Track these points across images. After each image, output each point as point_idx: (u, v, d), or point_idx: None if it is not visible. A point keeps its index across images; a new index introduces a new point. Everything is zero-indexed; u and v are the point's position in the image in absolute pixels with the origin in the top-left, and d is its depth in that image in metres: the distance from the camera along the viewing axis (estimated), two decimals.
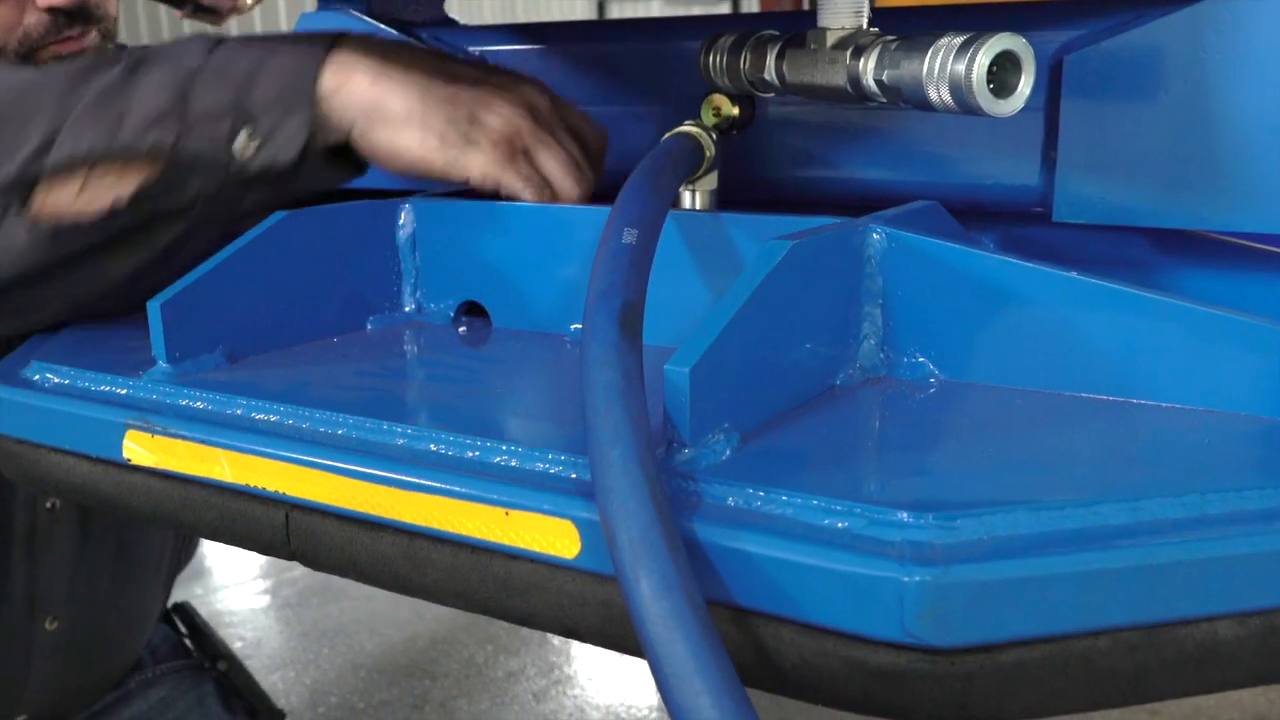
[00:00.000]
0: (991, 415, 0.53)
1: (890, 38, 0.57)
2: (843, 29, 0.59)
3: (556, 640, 2.39)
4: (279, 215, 0.68)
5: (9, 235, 0.69)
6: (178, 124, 0.67)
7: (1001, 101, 0.53)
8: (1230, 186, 0.60)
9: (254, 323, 0.67)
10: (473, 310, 0.75)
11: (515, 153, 0.71)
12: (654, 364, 0.47)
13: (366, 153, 0.71)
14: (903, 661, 0.39)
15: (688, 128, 0.67)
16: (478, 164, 0.70)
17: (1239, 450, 0.49)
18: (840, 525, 0.42)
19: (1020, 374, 0.56)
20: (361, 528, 0.52)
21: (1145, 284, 0.53)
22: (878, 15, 0.61)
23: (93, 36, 0.98)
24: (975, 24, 0.54)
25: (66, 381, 0.64)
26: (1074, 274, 0.53)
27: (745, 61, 0.66)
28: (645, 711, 2.17)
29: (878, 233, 0.57)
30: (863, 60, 0.57)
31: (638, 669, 2.22)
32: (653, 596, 0.38)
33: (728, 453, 0.47)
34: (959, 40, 0.52)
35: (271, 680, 2.29)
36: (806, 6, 0.64)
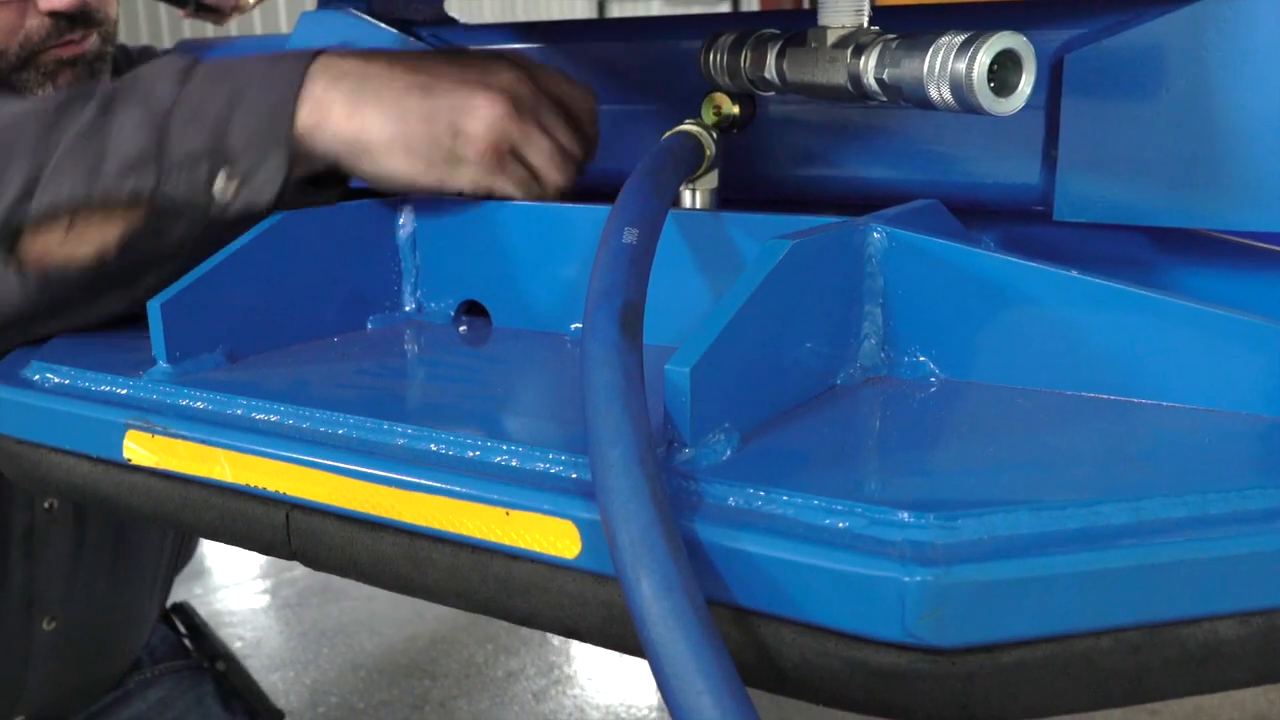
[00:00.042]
0: (992, 414, 0.53)
1: (891, 36, 0.57)
2: (843, 27, 0.59)
3: (556, 640, 2.39)
4: (279, 215, 0.68)
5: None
6: (156, 168, 0.67)
7: (1002, 100, 0.53)
8: (1231, 185, 0.60)
9: (254, 322, 0.67)
10: (473, 309, 0.75)
11: (502, 157, 0.70)
12: (654, 363, 0.47)
13: (353, 177, 0.72)
14: (904, 661, 0.39)
15: (688, 126, 0.67)
16: (467, 178, 0.71)
17: (1240, 449, 0.49)
18: (841, 525, 0.42)
19: (1021, 373, 0.56)
20: (362, 528, 0.52)
21: (1146, 283, 0.53)
22: (878, 14, 0.61)
23: (93, 40, 0.98)
24: (976, 23, 0.54)
25: (67, 381, 0.64)
26: (1075, 273, 0.53)
27: (746, 60, 0.66)
28: (645, 711, 2.17)
29: (878, 232, 0.57)
30: (863, 59, 0.57)
31: (638, 669, 2.22)
32: (653, 596, 0.38)
33: (728, 452, 0.47)
34: (960, 39, 0.52)
35: (271, 680, 2.29)
36: (807, 5, 0.64)
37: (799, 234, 0.53)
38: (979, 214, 0.70)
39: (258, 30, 4.94)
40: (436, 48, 0.74)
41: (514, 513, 0.47)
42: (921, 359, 0.58)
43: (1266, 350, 0.50)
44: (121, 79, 0.70)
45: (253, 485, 0.54)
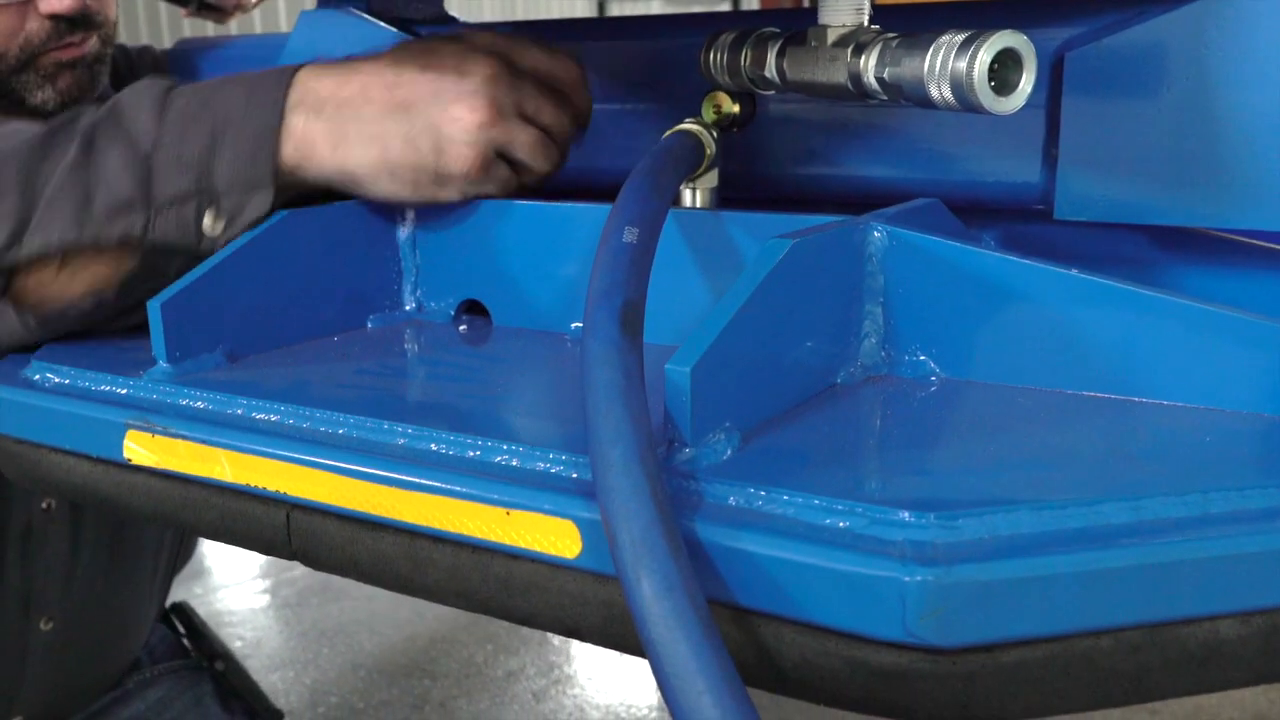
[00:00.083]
0: (993, 413, 0.53)
1: (891, 35, 0.57)
2: (843, 26, 0.59)
3: (556, 640, 2.39)
4: (279, 214, 0.68)
5: None
6: (144, 211, 0.67)
7: (1003, 99, 0.53)
8: (1232, 184, 0.60)
9: (254, 322, 0.67)
10: (473, 309, 0.75)
11: (488, 164, 0.70)
12: (655, 363, 0.47)
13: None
14: (904, 661, 0.39)
15: (688, 125, 0.67)
16: (455, 191, 0.71)
17: (1240, 448, 0.48)
18: (842, 525, 0.41)
19: (1021, 372, 0.55)
20: (362, 527, 0.52)
21: (1147, 282, 0.53)
22: (878, 12, 0.61)
23: (93, 42, 0.98)
24: (976, 21, 0.54)
25: (67, 381, 0.64)
26: (1075, 272, 0.53)
27: (746, 59, 0.66)
28: (645, 711, 2.17)
29: (879, 231, 0.57)
30: (864, 58, 0.57)
31: (637, 668, 2.22)
32: (654, 596, 0.38)
33: (729, 452, 0.47)
34: (960, 38, 0.52)
35: (271, 680, 2.29)
36: (807, 4, 0.64)
37: (799, 233, 0.53)
38: (979, 213, 0.70)
39: (258, 29, 4.94)
40: (409, 41, 0.73)
41: (514, 512, 0.46)
42: (922, 358, 0.58)
43: (1267, 349, 0.50)
44: (100, 111, 0.70)
45: (253, 485, 0.54)
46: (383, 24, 0.90)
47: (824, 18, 0.60)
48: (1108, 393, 0.54)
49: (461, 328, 0.74)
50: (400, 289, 0.75)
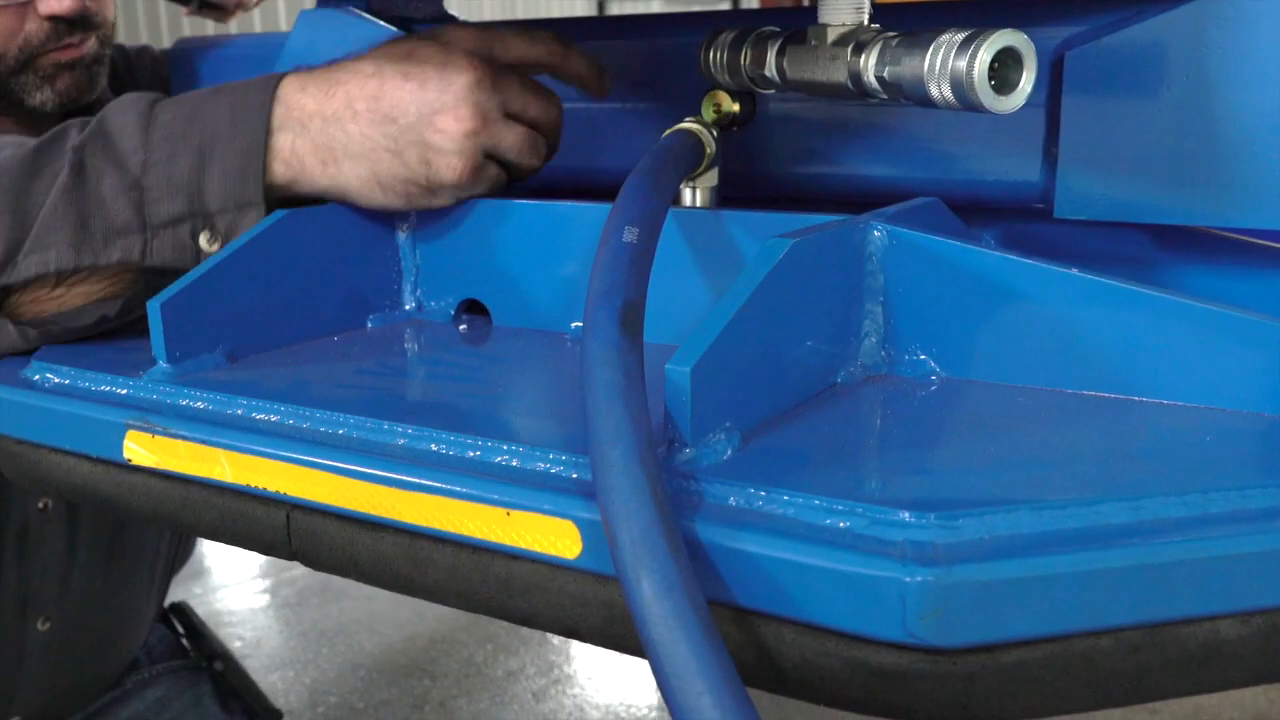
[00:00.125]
0: (993, 413, 0.53)
1: (891, 34, 0.57)
2: (843, 25, 0.59)
3: (556, 639, 2.39)
4: (279, 214, 0.68)
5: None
6: (140, 235, 0.68)
7: (1003, 98, 0.52)
8: (1232, 182, 0.60)
9: (254, 322, 0.67)
10: (473, 308, 0.75)
11: (478, 167, 0.70)
12: (655, 362, 0.47)
13: None
14: (905, 662, 0.39)
15: (688, 124, 0.67)
16: (448, 199, 0.71)
17: (1240, 448, 0.48)
18: (842, 525, 0.41)
19: (1022, 371, 0.55)
20: (363, 528, 0.52)
21: (1147, 281, 0.53)
22: (878, 11, 0.60)
23: (91, 43, 0.98)
24: (976, 20, 0.54)
25: (67, 381, 0.64)
26: (1075, 271, 0.53)
27: (746, 58, 0.66)
28: (645, 711, 2.17)
29: (879, 230, 0.57)
30: (864, 57, 0.57)
31: (637, 668, 2.22)
32: (654, 597, 0.38)
33: (729, 452, 0.47)
34: (960, 37, 0.52)
35: (271, 680, 2.29)
36: (807, 3, 0.64)
37: (799, 232, 0.53)
38: (979, 212, 0.70)
39: (257, 28, 4.94)
40: (391, 42, 0.73)
41: (515, 513, 0.46)
42: (922, 357, 0.58)
43: (1267, 348, 0.50)
44: (86, 129, 0.70)
45: (253, 485, 0.54)
46: (382, 23, 0.90)
47: (824, 16, 0.60)
48: (1108, 392, 0.54)
49: (461, 327, 0.74)
50: (400, 289, 0.75)
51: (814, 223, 0.57)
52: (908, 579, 0.38)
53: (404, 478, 0.49)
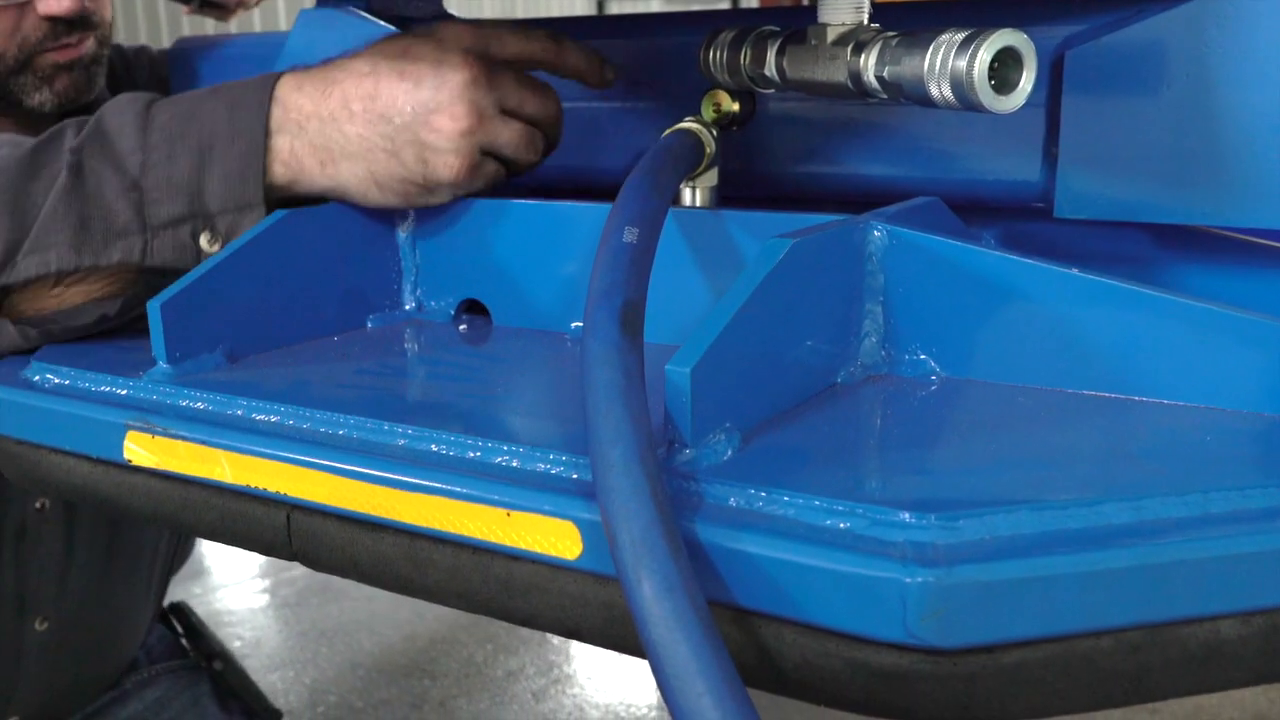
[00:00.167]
0: (993, 413, 0.53)
1: (891, 34, 0.57)
2: (843, 25, 0.59)
3: (555, 639, 2.39)
4: (279, 214, 0.68)
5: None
6: (140, 236, 0.68)
7: (1003, 98, 0.52)
8: (1232, 182, 0.60)
9: (254, 322, 0.67)
10: (473, 308, 0.75)
11: (474, 167, 0.70)
12: (655, 362, 0.47)
13: None
14: (905, 662, 0.39)
15: (688, 124, 0.67)
16: (446, 197, 0.71)
17: (1241, 448, 0.48)
18: (842, 526, 0.41)
19: (1022, 371, 0.55)
20: (363, 528, 0.52)
21: (1147, 280, 0.53)
22: (878, 11, 0.60)
23: (90, 44, 0.98)
24: (976, 20, 0.54)
25: (67, 382, 0.64)
26: (1075, 271, 0.53)
27: (746, 57, 0.65)
28: (644, 710, 2.17)
29: (879, 230, 0.57)
30: (863, 56, 0.57)
31: (637, 668, 2.22)
32: (654, 597, 0.38)
33: (729, 453, 0.47)
34: (960, 36, 0.52)
35: (270, 680, 2.29)
36: (806, 2, 0.64)
37: (799, 232, 0.53)
38: (979, 211, 0.70)
39: (257, 28, 4.94)
40: (386, 40, 0.73)
41: (515, 513, 0.46)
42: (922, 357, 0.58)
43: (1267, 348, 0.50)
44: (84, 130, 0.70)
45: (253, 486, 0.54)
46: (382, 23, 0.89)
47: (824, 16, 0.60)
48: (1108, 392, 0.54)
49: (461, 327, 0.74)
50: (400, 288, 0.75)
51: (814, 222, 0.57)
52: (908, 580, 0.38)
53: (404, 478, 0.49)
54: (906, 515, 0.41)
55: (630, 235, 0.52)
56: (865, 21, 0.59)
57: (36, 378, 0.65)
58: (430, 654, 2.38)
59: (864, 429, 0.52)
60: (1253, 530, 0.41)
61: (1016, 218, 0.71)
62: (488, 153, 0.71)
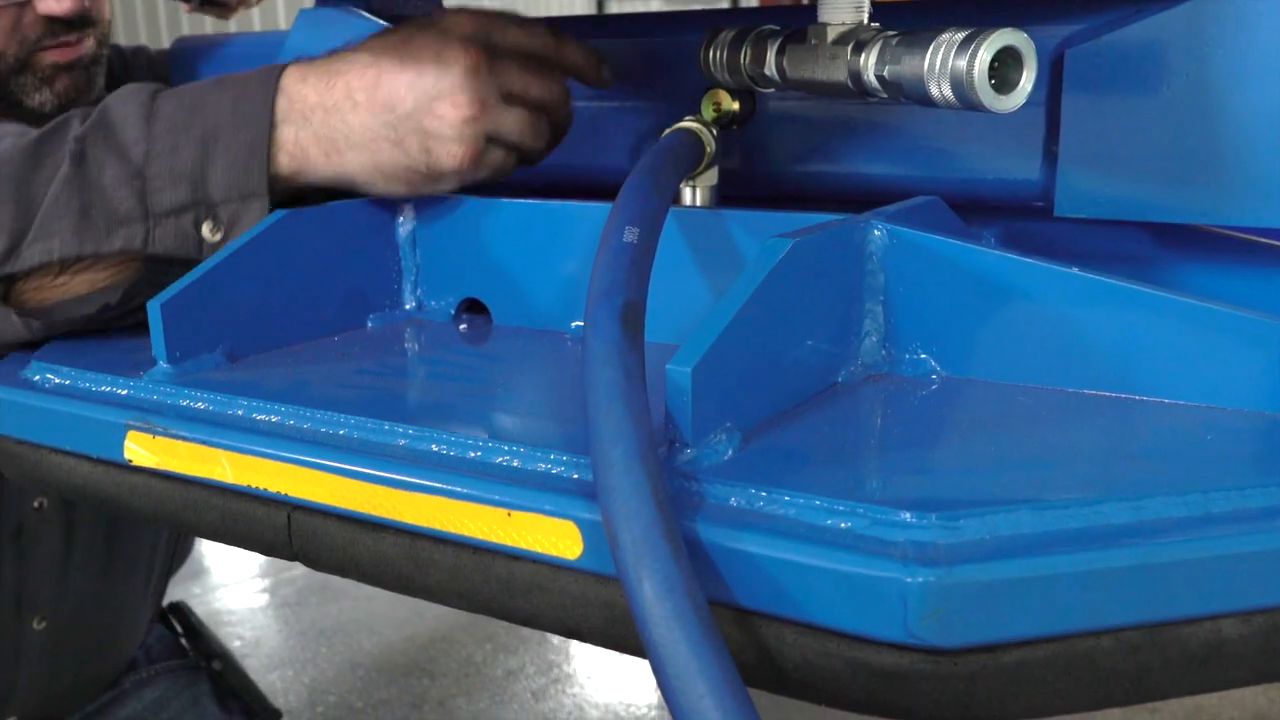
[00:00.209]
0: (993, 412, 0.53)
1: (891, 33, 0.57)
2: (843, 24, 0.59)
3: (555, 639, 2.39)
4: (279, 214, 0.68)
5: (1, 322, 0.70)
6: (143, 224, 0.68)
7: (1003, 97, 0.52)
8: (1233, 181, 0.60)
9: (254, 322, 0.67)
10: (473, 307, 0.75)
11: (478, 154, 0.70)
12: (655, 362, 0.47)
13: None
14: (906, 662, 0.39)
15: (688, 123, 0.67)
16: (451, 185, 0.71)
17: (1241, 447, 0.48)
18: (843, 525, 0.41)
19: (1022, 370, 0.55)
20: (363, 528, 0.52)
21: (1147, 279, 0.53)
22: (878, 10, 0.60)
23: (89, 43, 0.98)
24: (976, 19, 0.54)
25: (67, 382, 0.64)
26: (1075, 270, 0.53)
27: (746, 56, 0.65)
28: (644, 710, 2.17)
29: (879, 229, 0.57)
30: (863, 56, 0.57)
31: (636, 667, 2.22)
32: (655, 597, 0.38)
33: (730, 452, 0.47)
34: (960, 36, 0.52)
35: (270, 679, 2.29)
36: (806, 2, 0.64)
37: (800, 232, 0.53)
38: (979, 210, 0.70)
39: (256, 27, 4.94)
40: (388, 31, 0.73)
41: (515, 513, 0.46)
42: (922, 356, 0.58)
43: (1267, 347, 0.50)
44: (88, 120, 0.70)
45: (254, 486, 0.54)
46: (381, 22, 0.90)
47: (824, 15, 0.60)
48: (1108, 391, 0.54)
49: (462, 327, 0.74)
50: (400, 288, 0.75)
51: (814, 222, 0.57)
52: (909, 579, 0.38)
53: (405, 478, 0.49)
54: (907, 515, 0.41)
55: (631, 235, 0.52)
56: (865, 21, 0.59)
57: (37, 378, 0.65)
58: (430, 653, 2.38)
59: (864, 428, 0.52)
60: (1253, 530, 0.41)
61: (1017, 217, 0.71)
62: (493, 140, 0.71)
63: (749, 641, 0.42)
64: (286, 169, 0.69)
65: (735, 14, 0.79)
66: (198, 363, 0.63)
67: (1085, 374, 0.54)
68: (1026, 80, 0.53)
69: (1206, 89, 0.60)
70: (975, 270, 0.55)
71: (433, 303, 0.75)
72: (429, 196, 0.73)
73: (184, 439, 0.56)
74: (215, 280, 0.64)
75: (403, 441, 0.52)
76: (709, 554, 0.42)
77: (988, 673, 0.39)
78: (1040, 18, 0.64)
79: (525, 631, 2.40)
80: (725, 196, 0.69)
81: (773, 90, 0.68)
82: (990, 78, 0.52)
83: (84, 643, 1.20)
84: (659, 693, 0.39)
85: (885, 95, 0.58)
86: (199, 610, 1.43)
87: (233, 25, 1.53)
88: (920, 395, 0.55)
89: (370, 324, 0.74)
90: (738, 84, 0.68)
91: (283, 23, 5.05)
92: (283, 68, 0.70)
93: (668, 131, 0.67)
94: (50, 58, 0.95)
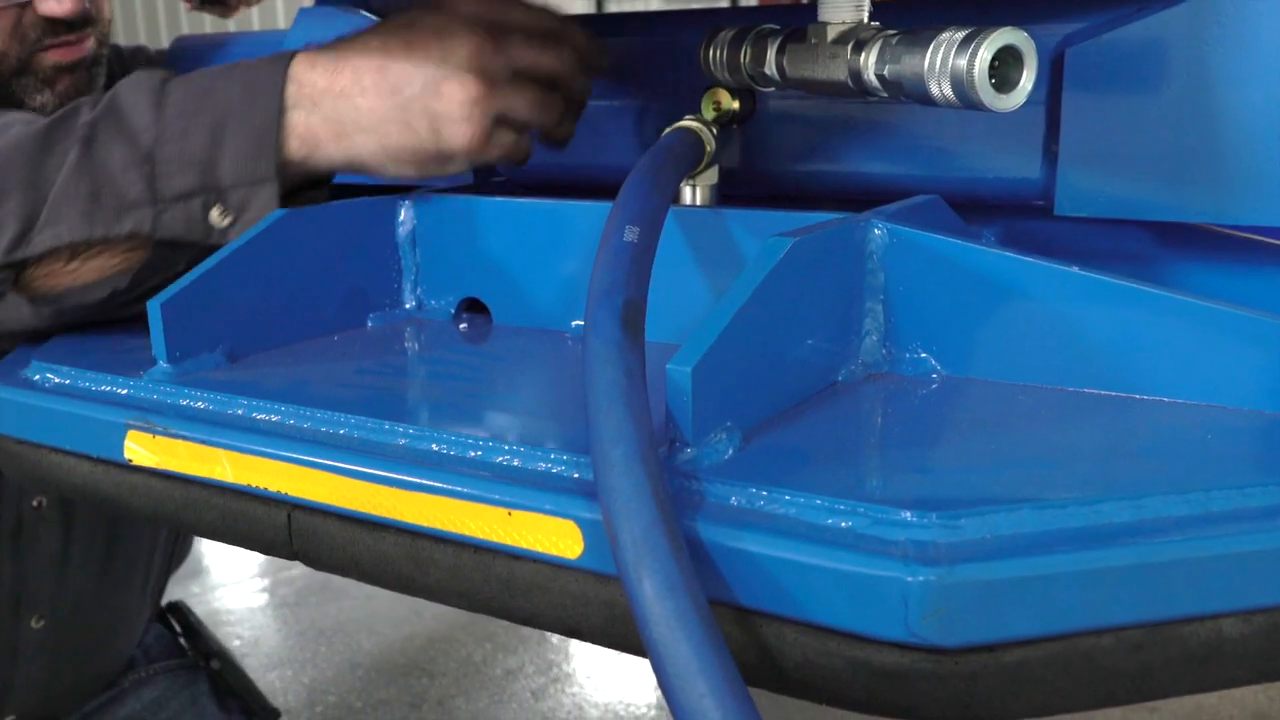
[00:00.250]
0: (994, 411, 0.53)
1: (891, 32, 0.57)
2: (843, 23, 0.59)
3: (555, 638, 2.39)
4: (279, 213, 0.68)
5: (11, 309, 0.71)
6: (151, 208, 0.68)
7: (1003, 96, 0.52)
8: (1233, 179, 0.60)
9: (254, 321, 0.67)
10: (473, 307, 0.75)
11: (486, 135, 0.70)
12: (656, 361, 0.47)
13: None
14: (906, 661, 0.39)
15: (688, 122, 0.67)
16: (462, 166, 0.71)
17: (1241, 446, 0.48)
18: (844, 525, 0.41)
19: (1022, 369, 0.55)
20: (364, 528, 0.52)
21: (1147, 278, 0.53)
22: (878, 9, 0.60)
23: (90, 43, 0.98)
24: (976, 18, 0.54)
25: (67, 381, 0.64)
26: (1075, 269, 0.53)
27: (746, 55, 0.65)
28: (644, 709, 2.17)
29: (879, 228, 0.57)
30: (864, 55, 0.57)
31: (636, 666, 2.22)
32: (656, 597, 0.38)
33: (730, 452, 0.47)
34: (960, 35, 0.52)
35: (269, 679, 2.29)
36: (806, 1, 0.64)
37: (800, 231, 0.53)
38: (980, 209, 0.70)
39: (255, 26, 4.93)
40: (394, 17, 0.73)
41: (516, 513, 0.46)
42: (923, 355, 0.58)
43: (1268, 346, 0.50)
44: (98, 106, 0.70)
45: (254, 485, 0.54)
46: (379, 20, 0.89)
47: (824, 14, 0.60)
48: (1109, 390, 0.54)
49: (462, 326, 0.74)
50: (400, 287, 0.75)
51: (814, 221, 0.57)
52: (910, 579, 0.38)
53: (405, 478, 0.49)
54: (908, 514, 0.41)
55: (631, 234, 0.52)
56: (865, 20, 0.59)
57: (37, 377, 0.65)
58: (429, 653, 2.38)
59: (865, 428, 0.52)
60: (1254, 529, 0.41)
61: (1017, 216, 0.71)
62: (504, 121, 0.71)
63: (749, 641, 0.42)
64: (297, 154, 0.69)
65: (735, 13, 0.79)
66: (198, 362, 0.63)
67: (1085, 373, 0.54)
68: (1027, 79, 0.53)
69: (1207, 88, 0.60)
70: (975, 269, 0.55)
71: (433, 302, 0.75)
72: (429, 196, 0.73)
73: (184, 438, 0.56)
74: (215, 280, 0.64)
75: (403, 441, 0.52)
76: (709, 553, 0.42)
77: (989, 672, 0.39)
78: (1041, 16, 0.64)
79: (525, 631, 2.40)
80: (725, 195, 0.69)
81: (773, 89, 0.68)
82: (991, 77, 0.52)
83: (82, 642, 1.20)
84: (659, 692, 0.39)
85: (885, 94, 0.58)
86: (198, 610, 1.43)
87: (232, 25, 1.53)
88: (920, 394, 0.55)
89: (370, 323, 0.74)
90: (738, 83, 0.68)
91: (282, 21, 5.04)
92: (292, 54, 0.71)
93: (668, 130, 0.67)
94: (51, 58, 0.95)
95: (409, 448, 0.52)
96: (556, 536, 0.45)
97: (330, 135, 0.69)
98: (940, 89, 0.53)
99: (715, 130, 0.67)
